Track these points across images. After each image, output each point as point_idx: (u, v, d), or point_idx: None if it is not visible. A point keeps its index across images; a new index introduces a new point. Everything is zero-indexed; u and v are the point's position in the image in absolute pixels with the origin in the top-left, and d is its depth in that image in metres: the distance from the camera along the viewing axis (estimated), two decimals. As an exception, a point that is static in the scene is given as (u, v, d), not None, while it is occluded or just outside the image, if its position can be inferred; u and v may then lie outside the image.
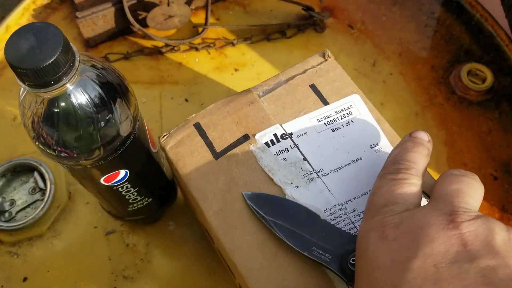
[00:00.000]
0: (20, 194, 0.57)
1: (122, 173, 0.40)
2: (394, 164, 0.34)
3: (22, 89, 0.33)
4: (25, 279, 0.54)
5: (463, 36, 0.65)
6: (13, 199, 0.57)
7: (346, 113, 0.41)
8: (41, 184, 0.57)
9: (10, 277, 0.54)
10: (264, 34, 0.64)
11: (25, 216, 0.56)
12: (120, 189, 0.42)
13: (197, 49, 0.63)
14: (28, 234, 0.55)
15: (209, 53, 0.64)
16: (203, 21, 0.64)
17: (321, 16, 0.62)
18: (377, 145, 0.40)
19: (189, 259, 0.54)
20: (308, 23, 0.64)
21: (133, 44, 0.65)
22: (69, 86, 0.31)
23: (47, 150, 0.34)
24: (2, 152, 0.60)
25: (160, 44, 0.63)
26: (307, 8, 0.63)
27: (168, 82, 0.63)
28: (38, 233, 0.55)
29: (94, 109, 0.32)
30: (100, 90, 0.33)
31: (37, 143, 0.34)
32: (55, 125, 0.32)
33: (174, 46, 0.63)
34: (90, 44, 0.64)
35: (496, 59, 0.63)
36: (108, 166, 0.37)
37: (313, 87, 0.43)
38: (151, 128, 0.59)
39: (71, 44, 0.30)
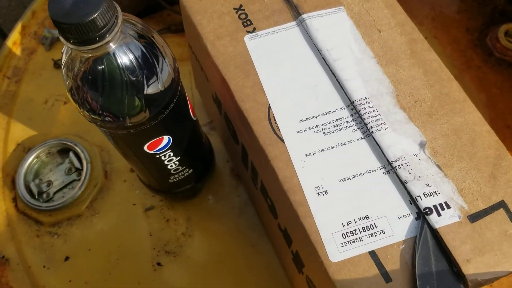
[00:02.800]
0: (56, 175, 0.57)
1: (166, 139, 0.39)
2: None
3: (64, 53, 0.32)
4: (67, 258, 0.54)
5: (497, -3, 0.63)
6: (50, 180, 0.57)
7: None
8: (77, 164, 0.57)
9: (51, 256, 0.54)
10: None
11: (63, 197, 0.56)
12: (162, 158, 0.41)
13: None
14: (67, 214, 0.55)
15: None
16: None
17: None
18: None
19: (230, 232, 0.53)
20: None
21: (160, 22, 0.65)
22: (112, 45, 0.30)
23: (92, 115, 0.33)
24: (36, 134, 0.60)
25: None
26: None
27: (198, 58, 0.63)
28: (77, 213, 0.55)
29: (139, 69, 0.32)
30: (144, 50, 0.32)
31: (80, 109, 0.33)
32: (99, 86, 0.31)
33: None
34: (118, 23, 0.64)
35: (534, 18, 0.61)
36: (152, 131, 0.37)
37: None
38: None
39: (115, 4, 0.30)
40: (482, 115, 0.54)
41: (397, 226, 0.32)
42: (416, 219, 0.32)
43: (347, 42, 0.39)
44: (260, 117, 0.36)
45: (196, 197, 0.55)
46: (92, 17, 0.27)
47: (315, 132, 0.36)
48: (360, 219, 0.33)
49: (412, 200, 0.33)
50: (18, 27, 0.66)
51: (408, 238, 0.32)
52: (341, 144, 0.35)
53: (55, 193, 0.57)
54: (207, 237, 0.53)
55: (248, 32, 0.39)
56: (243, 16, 0.40)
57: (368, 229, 0.32)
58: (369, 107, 0.36)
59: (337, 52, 0.38)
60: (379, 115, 0.36)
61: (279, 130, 0.36)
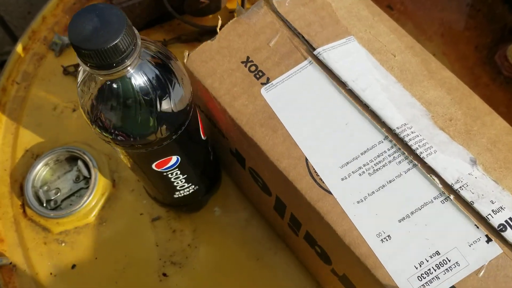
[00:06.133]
0: (64, 183, 0.58)
1: (174, 159, 0.39)
2: None
3: (81, 71, 0.33)
4: (73, 266, 0.54)
5: (506, 14, 0.63)
6: (58, 188, 0.57)
7: None
8: (85, 173, 0.58)
9: (58, 264, 0.54)
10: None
11: (70, 205, 0.56)
12: (169, 175, 0.42)
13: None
14: (74, 222, 0.56)
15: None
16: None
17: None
18: None
19: (236, 245, 0.54)
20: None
21: (170, 31, 0.65)
22: (130, 69, 0.30)
23: (104, 133, 0.34)
24: (44, 141, 0.61)
25: (197, 31, 0.63)
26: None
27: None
28: (84, 221, 0.56)
29: (154, 92, 0.32)
30: (159, 74, 0.32)
31: (93, 126, 0.34)
32: (113, 107, 0.32)
33: (212, 32, 0.62)
34: (129, 32, 0.64)
35: (542, 37, 0.61)
36: (162, 151, 0.37)
37: None
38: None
39: (133, 26, 0.30)
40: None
41: (470, 254, 0.32)
42: (487, 241, 0.32)
43: (368, 70, 0.38)
44: (301, 173, 0.35)
45: (201, 209, 0.55)
46: (113, 44, 0.27)
47: (360, 174, 0.35)
48: (431, 257, 0.32)
49: (479, 222, 0.32)
50: (28, 32, 0.66)
51: (484, 264, 0.31)
52: (390, 182, 0.34)
53: (62, 200, 0.57)
54: (213, 249, 0.54)
55: (263, 84, 0.38)
56: (253, 68, 0.39)
57: (442, 265, 0.32)
58: (412, 132, 0.35)
59: (362, 81, 0.37)
60: (423, 139, 0.35)
61: (323, 182, 0.34)
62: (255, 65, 0.39)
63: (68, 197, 0.57)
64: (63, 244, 0.55)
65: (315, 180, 0.35)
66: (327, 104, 0.37)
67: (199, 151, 0.43)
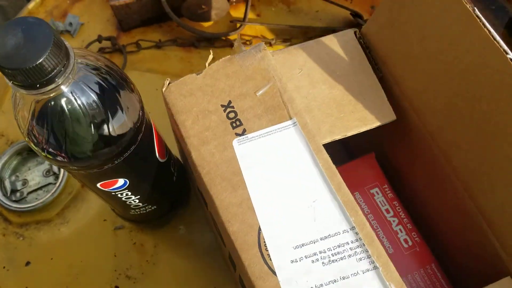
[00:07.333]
0: (33, 174, 0.56)
1: (121, 181, 0.37)
2: None
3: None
4: (27, 263, 0.52)
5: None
6: (26, 179, 0.56)
7: None
8: (55, 168, 0.56)
9: (13, 259, 0.53)
10: (305, 37, 0.59)
11: (36, 198, 0.55)
12: (119, 195, 0.39)
13: (232, 46, 0.59)
14: (36, 217, 0.54)
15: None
16: (242, 16, 0.61)
17: (369, 24, 0.57)
18: None
19: (194, 269, 0.51)
20: (354, 30, 0.59)
21: (167, 32, 0.62)
22: (63, 88, 0.28)
23: (36, 148, 0.31)
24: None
25: (194, 36, 0.60)
26: (355, 15, 0.58)
27: (199, 76, 0.60)
28: (46, 218, 0.54)
29: (87, 116, 0.29)
30: (97, 98, 0.29)
31: (27, 139, 0.31)
32: (44, 127, 0.29)
33: (210, 40, 0.60)
34: (123, 28, 0.61)
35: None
36: (105, 174, 0.34)
37: None
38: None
39: (66, 43, 0.27)
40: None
41: None
42: None
43: None
44: (249, 242, 0.31)
45: (164, 227, 0.53)
46: (33, 65, 0.25)
47: (313, 261, 0.31)
48: None
49: None
50: (24, 12, 0.64)
51: None
52: (343, 278, 0.30)
53: (29, 193, 0.55)
54: (171, 270, 0.51)
55: (237, 134, 0.34)
56: (231, 115, 0.35)
57: None
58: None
59: None
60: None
61: (270, 259, 0.31)
62: (234, 111, 0.35)
63: (35, 190, 0.55)
64: (21, 239, 0.53)
65: (262, 255, 0.31)
66: (299, 175, 0.33)
67: (155, 173, 0.41)
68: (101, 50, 0.61)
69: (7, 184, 0.55)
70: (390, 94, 0.38)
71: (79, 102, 0.28)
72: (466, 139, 0.34)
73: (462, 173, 0.35)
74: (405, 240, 0.41)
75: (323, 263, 0.31)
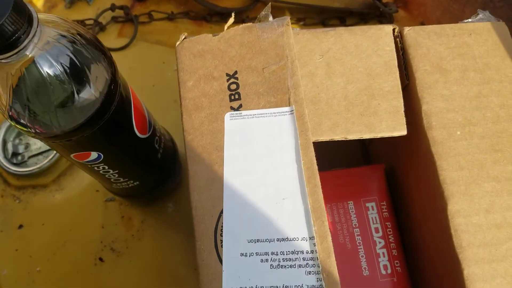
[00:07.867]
0: (37, 139, 0.56)
1: (94, 154, 0.36)
2: None
3: None
4: (20, 226, 0.53)
5: None
6: (29, 143, 0.56)
7: None
8: (56, 134, 0.56)
9: (7, 220, 0.53)
10: (320, 18, 0.56)
11: (36, 163, 0.55)
12: (96, 168, 0.38)
13: (244, 22, 0.57)
14: (33, 182, 0.54)
15: (258, 28, 0.58)
16: (257, -8, 0.58)
17: (388, 9, 0.53)
18: None
19: (178, 247, 0.50)
20: (373, 13, 0.55)
21: (181, 5, 0.61)
22: (28, 53, 0.27)
23: (4, 115, 0.31)
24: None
25: (207, 10, 0.58)
26: (374, -4, 0.54)
27: (209, 52, 0.59)
28: (43, 183, 0.54)
29: (51, 82, 0.28)
30: (60, 65, 0.28)
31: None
32: (8, 92, 0.29)
33: (222, 14, 0.57)
34: (137, -3, 0.60)
35: None
36: (76, 145, 0.33)
37: None
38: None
39: (30, 8, 0.26)
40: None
41: None
42: None
43: None
44: (206, 223, 0.30)
45: (151, 203, 0.52)
46: None
47: (261, 261, 0.29)
48: None
49: None
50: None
51: None
52: (285, 287, 0.28)
53: (30, 157, 0.56)
54: (154, 246, 0.50)
55: (232, 108, 0.32)
56: (233, 86, 0.33)
57: None
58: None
59: None
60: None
61: (221, 246, 0.29)
62: (237, 83, 0.33)
63: (36, 155, 0.56)
64: (17, 201, 0.54)
65: (215, 239, 0.29)
66: (278, 168, 0.31)
67: (134, 149, 0.39)
68: (114, 19, 0.60)
69: (10, 146, 0.56)
70: (408, 107, 0.34)
71: (43, 68, 0.28)
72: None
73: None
74: (385, 266, 0.37)
75: (271, 265, 0.28)
